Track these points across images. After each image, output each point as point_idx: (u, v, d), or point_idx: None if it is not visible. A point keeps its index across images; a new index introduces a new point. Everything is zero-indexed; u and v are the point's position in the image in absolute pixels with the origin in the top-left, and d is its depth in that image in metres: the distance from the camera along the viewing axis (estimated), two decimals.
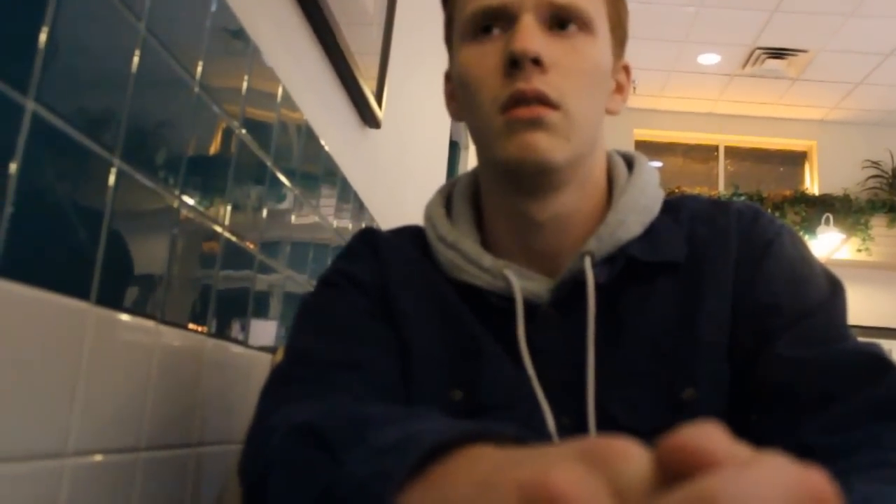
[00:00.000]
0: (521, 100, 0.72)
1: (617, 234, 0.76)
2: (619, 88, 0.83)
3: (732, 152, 7.79)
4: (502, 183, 0.78)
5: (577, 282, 0.75)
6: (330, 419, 0.55)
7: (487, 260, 0.77)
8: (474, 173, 0.86)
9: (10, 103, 0.54)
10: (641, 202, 0.79)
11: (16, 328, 0.57)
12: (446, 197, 0.86)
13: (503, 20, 0.75)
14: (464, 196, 0.84)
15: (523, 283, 0.76)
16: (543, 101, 0.72)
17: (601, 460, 0.28)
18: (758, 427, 0.70)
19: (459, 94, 0.80)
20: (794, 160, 7.77)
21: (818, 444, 0.64)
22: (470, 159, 5.19)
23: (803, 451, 0.63)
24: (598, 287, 0.74)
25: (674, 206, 0.82)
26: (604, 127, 0.81)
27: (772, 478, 0.25)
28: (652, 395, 0.72)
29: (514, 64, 0.72)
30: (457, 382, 0.75)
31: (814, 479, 0.26)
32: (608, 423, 0.71)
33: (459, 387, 0.75)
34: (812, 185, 7.52)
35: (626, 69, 0.84)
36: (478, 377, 0.75)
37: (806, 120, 7.55)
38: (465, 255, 0.78)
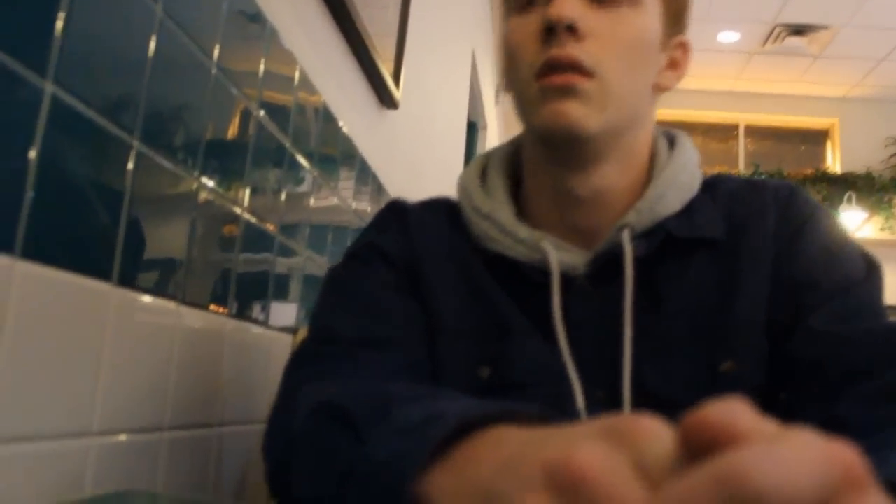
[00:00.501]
0: (554, 67, 0.71)
1: (656, 208, 0.75)
2: (674, 65, 0.81)
3: (753, 131, 7.71)
4: (542, 154, 0.78)
5: (615, 254, 0.74)
6: (353, 398, 0.56)
7: (524, 231, 0.77)
8: (512, 144, 0.85)
9: (28, 86, 0.55)
10: (682, 178, 0.78)
11: (38, 309, 0.57)
12: (481, 168, 0.85)
13: None
14: (500, 167, 0.83)
15: (560, 255, 0.75)
16: (577, 68, 0.71)
17: (625, 438, 0.28)
18: (790, 402, 0.70)
19: (505, 65, 0.80)
20: (816, 138, 7.69)
21: (850, 418, 0.64)
22: (488, 140, 5.18)
23: (835, 425, 0.63)
24: (635, 260, 0.73)
25: (710, 184, 0.81)
26: (654, 104, 0.80)
27: (800, 453, 0.25)
28: (689, 368, 0.72)
29: (550, 31, 0.71)
30: (485, 359, 0.74)
31: (844, 454, 0.25)
32: (644, 396, 0.71)
33: (487, 364, 0.74)
34: (834, 163, 7.44)
35: (684, 46, 0.82)
36: (506, 354, 0.74)
37: (828, 97, 7.46)
38: (501, 226, 0.77)
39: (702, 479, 0.24)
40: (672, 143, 0.83)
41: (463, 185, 0.83)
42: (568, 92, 0.71)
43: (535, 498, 0.28)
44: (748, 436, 0.26)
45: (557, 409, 0.71)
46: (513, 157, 0.84)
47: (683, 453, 0.27)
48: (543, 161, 0.78)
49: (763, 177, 6.92)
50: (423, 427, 0.43)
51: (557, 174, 0.76)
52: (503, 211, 0.78)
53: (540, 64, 0.72)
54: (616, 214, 0.77)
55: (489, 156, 0.86)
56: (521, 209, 0.80)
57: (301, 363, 0.72)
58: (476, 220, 0.78)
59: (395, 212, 0.83)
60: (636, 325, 0.72)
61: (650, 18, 0.75)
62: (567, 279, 0.75)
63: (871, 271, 0.75)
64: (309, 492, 0.56)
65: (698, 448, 0.26)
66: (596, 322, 0.74)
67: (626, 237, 0.74)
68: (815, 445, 0.25)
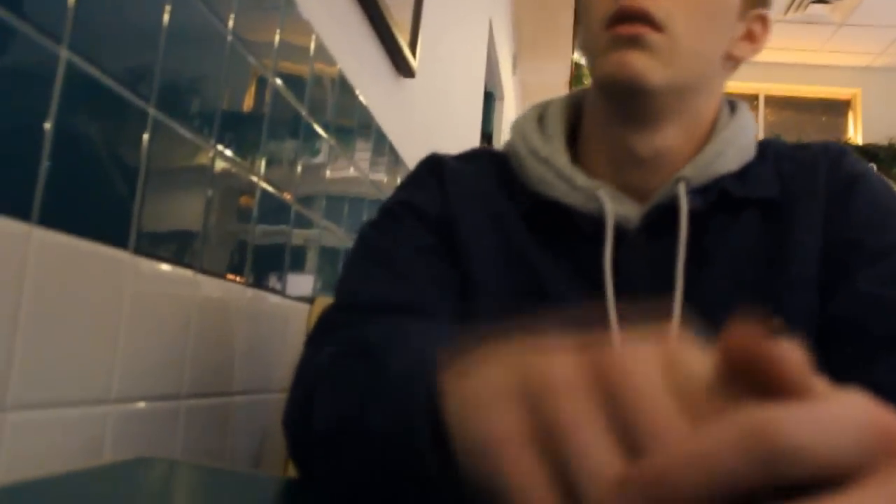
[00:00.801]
0: (625, 17, 0.71)
1: (714, 165, 0.75)
2: (751, 37, 0.80)
3: (773, 101, 7.63)
4: (605, 109, 0.77)
5: (669, 208, 0.74)
6: (372, 334, 0.58)
7: (581, 178, 0.76)
8: (573, 97, 0.84)
9: (44, 52, 0.54)
10: (741, 140, 0.78)
11: (56, 276, 0.57)
12: (539, 115, 0.83)
13: None
14: (559, 116, 0.82)
15: (615, 207, 0.75)
16: (647, 19, 0.70)
17: (663, 350, 0.28)
18: (832, 362, 0.70)
19: (581, 19, 0.79)
20: (837, 109, 7.59)
21: (887, 385, 0.64)
22: (505, 110, 5.14)
23: (875, 389, 0.63)
24: (689, 215, 0.73)
25: (762, 146, 0.81)
26: (725, 74, 0.79)
27: (844, 415, 0.25)
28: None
29: None
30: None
31: (885, 421, 0.25)
32: None
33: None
34: (855, 134, 7.35)
35: (764, 20, 0.81)
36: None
37: (850, 67, 7.35)
38: (558, 171, 0.76)
39: (733, 430, 0.24)
40: (733, 109, 0.83)
41: (519, 129, 0.81)
42: (635, 42, 0.70)
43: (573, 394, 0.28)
44: (797, 379, 0.26)
45: None
46: (572, 110, 0.83)
47: (721, 372, 0.27)
48: (605, 116, 0.77)
49: None
50: (441, 340, 0.44)
51: (618, 131, 0.75)
52: (561, 157, 0.76)
53: (611, 13, 0.71)
54: (672, 171, 0.76)
55: (548, 104, 0.85)
56: (578, 161, 0.79)
57: (322, 331, 0.71)
58: (532, 164, 0.77)
59: (432, 167, 0.82)
60: (686, 280, 0.72)
61: None
62: (619, 232, 0.74)
63: None
64: (332, 415, 0.56)
65: (737, 373, 0.26)
66: (646, 277, 0.73)
67: (682, 190, 0.73)
68: (861, 409, 0.25)
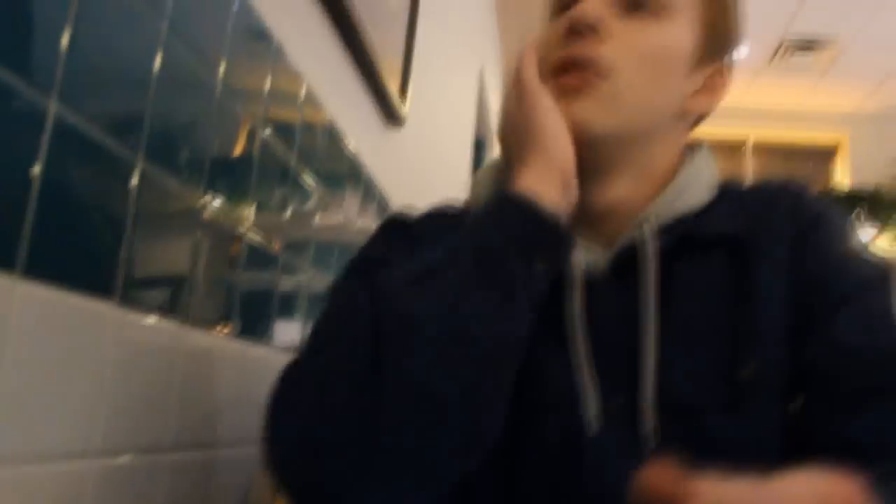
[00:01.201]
0: (570, 65, 0.72)
1: (675, 204, 0.75)
2: (710, 90, 0.80)
3: (761, 147, 7.70)
4: None
5: (635, 251, 0.73)
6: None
7: None
8: None
9: (33, 104, 0.55)
10: (700, 179, 0.78)
11: (40, 328, 0.57)
12: (496, 170, 0.84)
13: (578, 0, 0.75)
14: None
15: (580, 254, 0.74)
16: (592, 66, 0.71)
17: None
18: (808, 414, 0.69)
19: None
20: (824, 155, 7.66)
21: (863, 442, 0.63)
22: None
23: (848, 448, 0.63)
24: (655, 256, 0.73)
25: (723, 187, 0.81)
26: (681, 127, 0.79)
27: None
28: (711, 371, 0.71)
29: (573, 31, 0.72)
30: None
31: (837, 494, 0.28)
32: (668, 399, 0.70)
33: None
34: (843, 179, 7.42)
35: (723, 73, 0.80)
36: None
37: (836, 114, 7.44)
38: None
39: None
40: (692, 151, 0.83)
41: (478, 184, 0.82)
42: (579, 91, 0.71)
43: None
44: None
45: (572, 418, 0.70)
46: None
47: None
48: None
49: None
50: None
51: None
52: None
53: (558, 61, 0.72)
54: (634, 216, 0.76)
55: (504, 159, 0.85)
56: None
57: (285, 384, 0.68)
58: None
59: (396, 224, 0.82)
60: (657, 324, 0.72)
61: (680, 33, 0.75)
62: (587, 279, 0.74)
63: (885, 273, 0.74)
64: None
65: None
66: (616, 322, 0.73)
67: (647, 230, 0.73)
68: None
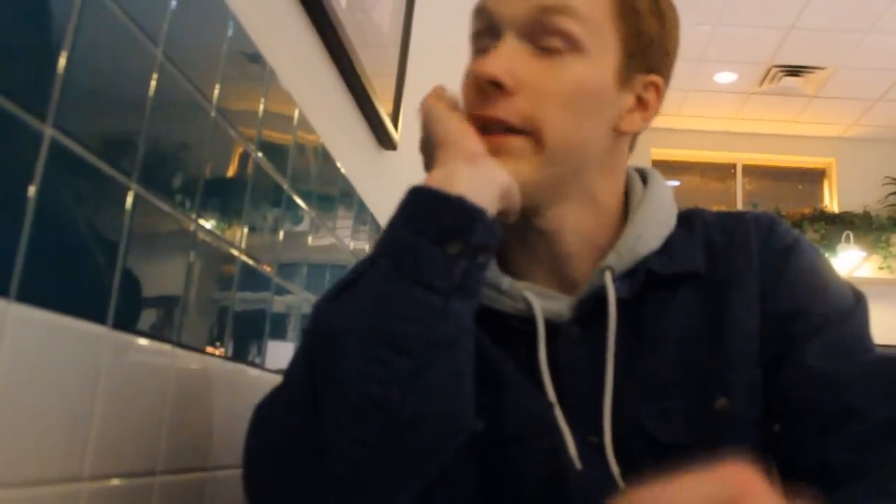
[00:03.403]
0: (486, 126, 0.71)
1: (636, 248, 0.75)
2: (643, 106, 0.78)
3: (750, 170, 7.75)
4: None
5: (599, 297, 0.74)
6: None
7: (506, 282, 0.76)
8: None
9: (28, 130, 0.55)
10: (659, 216, 0.78)
11: (33, 352, 0.57)
12: None
13: (493, 37, 0.74)
14: None
15: (543, 303, 0.75)
16: (505, 126, 0.71)
17: None
18: (782, 439, 0.70)
19: None
20: (813, 178, 7.72)
21: (839, 465, 0.63)
22: None
23: (825, 473, 0.63)
24: (619, 301, 0.73)
25: (686, 217, 0.81)
26: (618, 147, 0.79)
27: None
28: (684, 407, 0.71)
29: (479, 89, 0.71)
30: (478, 412, 0.71)
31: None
32: (643, 437, 0.70)
33: (481, 417, 0.72)
34: (831, 202, 7.46)
35: (656, 85, 0.78)
36: (499, 406, 0.73)
37: (824, 137, 7.50)
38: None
39: None
40: (644, 180, 0.83)
41: None
42: (500, 152, 0.70)
43: None
44: None
45: (552, 459, 0.70)
46: None
47: None
48: None
49: None
50: None
51: (520, 221, 0.74)
52: None
53: (476, 121, 0.72)
54: (595, 258, 0.76)
55: None
56: (503, 261, 0.80)
57: (257, 414, 0.69)
58: None
59: None
60: (626, 367, 0.72)
61: (596, 65, 0.73)
62: (553, 326, 0.74)
63: (857, 301, 0.74)
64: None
65: None
66: (585, 367, 0.73)
67: (608, 278, 0.73)
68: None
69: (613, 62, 0.74)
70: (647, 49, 0.76)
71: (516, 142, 0.71)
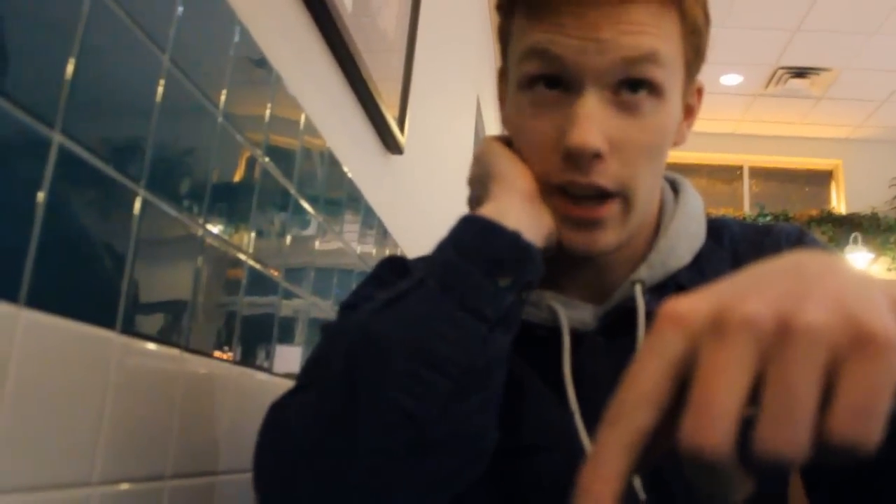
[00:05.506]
0: (576, 194, 0.69)
1: (668, 262, 0.74)
2: (689, 113, 0.77)
3: (757, 172, 7.73)
4: None
5: (627, 309, 0.73)
6: None
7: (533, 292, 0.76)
8: None
9: (37, 136, 0.55)
10: (691, 229, 0.77)
11: (42, 357, 0.57)
12: None
13: (563, 87, 0.69)
14: None
15: (569, 313, 0.74)
16: (601, 193, 0.69)
17: None
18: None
19: (510, 128, 0.77)
20: (820, 179, 7.70)
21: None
22: None
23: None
24: (647, 315, 0.72)
25: (715, 229, 0.80)
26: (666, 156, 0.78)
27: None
28: None
29: (574, 161, 0.67)
30: (497, 422, 0.73)
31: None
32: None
33: (500, 427, 0.71)
34: (839, 204, 7.45)
35: (699, 91, 0.77)
36: (518, 417, 0.72)
37: (831, 138, 7.49)
38: None
39: None
40: (674, 188, 0.82)
41: None
42: (593, 224, 0.69)
43: None
44: None
45: (571, 470, 0.70)
46: None
47: None
48: None
49: (768, 218, 6.92)
50: None
51: (563, 241, 0.73)
52: None
53: (561, 183, 0.69)
54: (625, 269, 0.75)
55: None
56: None
57: (271, 420, 0.68)
58: None
59: (393, 268, 0.82)
60: None
61: (671, 104, 0.71)
62: (578, 336, 0.73)
63: None
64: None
65: None
66: (609, 379, 0.73)
67: (638, 292, 0.72)
68: None
69: (680, 89, 0.73)
70: (700, 54, 0.75)
71: (611, 208, 0.69)
